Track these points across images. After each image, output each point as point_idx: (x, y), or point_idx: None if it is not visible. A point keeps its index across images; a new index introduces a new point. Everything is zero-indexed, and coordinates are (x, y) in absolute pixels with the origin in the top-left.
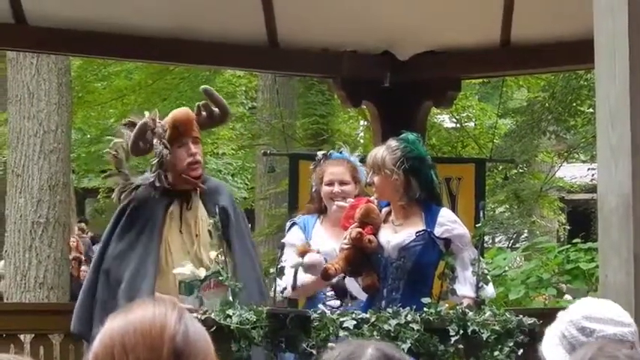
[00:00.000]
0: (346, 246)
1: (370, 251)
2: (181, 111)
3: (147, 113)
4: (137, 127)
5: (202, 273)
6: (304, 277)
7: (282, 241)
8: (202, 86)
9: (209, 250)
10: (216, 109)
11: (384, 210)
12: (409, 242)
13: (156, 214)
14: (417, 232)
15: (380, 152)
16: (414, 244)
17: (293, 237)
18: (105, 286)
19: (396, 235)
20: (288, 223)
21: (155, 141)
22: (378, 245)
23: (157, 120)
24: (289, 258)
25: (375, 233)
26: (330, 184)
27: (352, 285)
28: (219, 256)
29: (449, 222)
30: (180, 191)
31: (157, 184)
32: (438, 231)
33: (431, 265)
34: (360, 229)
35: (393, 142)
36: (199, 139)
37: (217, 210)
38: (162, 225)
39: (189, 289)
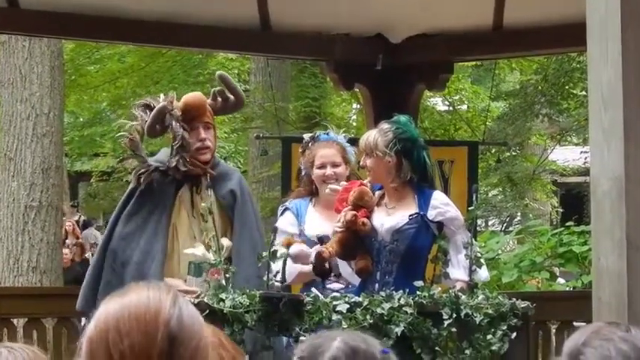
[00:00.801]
0: (340, 229)
1: (364, 234)
2: (193, 96)
3: (162, 95)
4: (155, 109)
5: (214, 257)
6: (293, 267)
7: (275, 225)
8: (218, 72)
9: (209, 245)
10: (231, 96)
11: (377, 193)
12: (403, 225)
13: (166, 197)
14: (410, 215)
15: (372, 135)
16: (408, 227)
17: (285, 222)
18: (110, 266)
19: (389, 218)
20: (281, 208)
21: (174, 124)
22: (371, 228)
23: (175, 102)
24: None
25: (369, 216)
26: (322, 166)
27: (345, 269)
28: (212, 240)
29: (442, 204)
30: (191, 175)
31: (183, 168)
32: (431, 214)
33: (424, 249)
34: (354, 212)
35: (384, 125)
36: (211, 124)
37: (212, 194)
38: (171, 208)
39: (198, 270)
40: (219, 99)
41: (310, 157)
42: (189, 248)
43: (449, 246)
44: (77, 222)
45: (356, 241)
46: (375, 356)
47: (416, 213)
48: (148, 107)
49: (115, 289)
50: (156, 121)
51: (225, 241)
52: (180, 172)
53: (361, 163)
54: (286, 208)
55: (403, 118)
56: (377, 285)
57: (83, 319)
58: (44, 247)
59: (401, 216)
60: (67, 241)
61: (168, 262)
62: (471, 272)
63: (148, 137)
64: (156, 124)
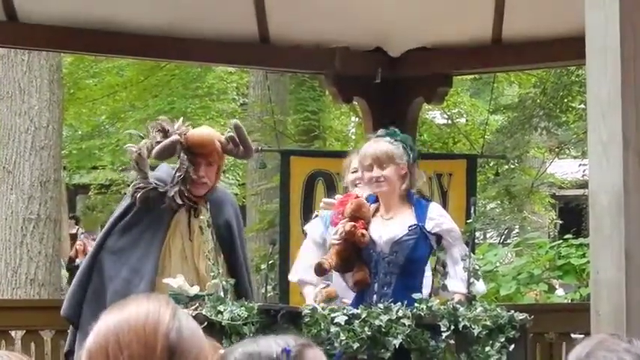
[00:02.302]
0: (337, 241)
1: (363, 246)
2: (202, 134)
3: (180, 121)
4: (170, 140)
5: (193, 291)
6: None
7: (304, 227)
8: (234, 120)
9: (207, 261)
10: (240, 146)
11: (373, 206)
12: (402, 236)
13: (162, 218)
14: (409, 227)
15: (383, 145)
16: (407, 238)
17: (312, 228)
18: (98, 276)
19: (387, 230)
20: (313, 215)
21: (183, 156)
22: (370, 240)
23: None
24: (306, 246)
25: (367, 228)
26: (355, 171)
27: (338, 283)
28: (210, 252)
29: (439, 216)
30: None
31: (179, 202)
32: (428, 225)
33: (422, 260)
34: (352, 223)
35: (385, 137)
36: (215, 163)
37: (212, 210)
38: (166, 229)
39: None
40: (231, 144)
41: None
42: (169, 278)
43: (446, 258)
44: (75, 234)
45: (354, 253)
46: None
47: (415, 224)
48: (163, 130)
49: (100, 299)
50: (167, 150)
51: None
52: (176, 204)
53: (372, 174)
54: (317, 216)
55: (396, 130)
56: (375, 297)
57: (71, 327)
58: (42, 260)
59: (399, 227)
60: (77, 260)
61: (160, 282)
62: (469, 284)
63: (155, 159)
64: (165, 152)
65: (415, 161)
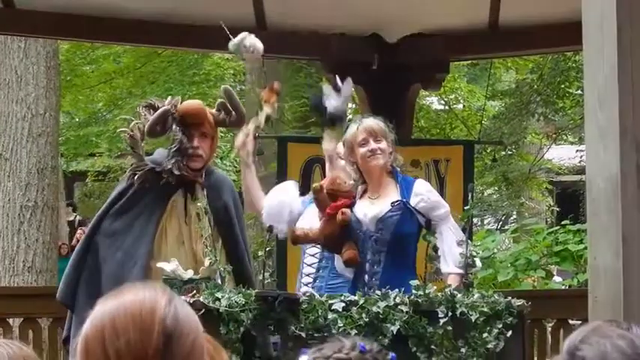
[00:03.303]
0: (321, 217)
1: (344, 224)
2: (192, 104)
3: (169, 98)
4: (159, 111)
5: (187, 275)
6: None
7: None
8: (223, 86)
9: (204, 246)
10: (232, 111)
11: (360, 187)
12: (386, 213)
13: (157, 200)
14: (392, 203)
15: (378, 122)
16: (391, 214)
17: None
18: (93, 260)
19: (372, 208)
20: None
21: (175, 127)
22: (350, 218)
23: (178, 106)
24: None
25: (350, 205)
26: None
27: (340, 265)
28: (208, 239)
29: (425, 192)
30: (185, 181)
31: (177, 172)
32: (414, 201)
33: (411, 236)
34: (320, 183)
35: (369, 117)
36: (209, 134)
37: (210, 196)
38: (162, 213)
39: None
40: (222, 111)
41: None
42: (162, 262)
43: (437, 239)
44: (72, 222)
45: (340, 232)
46: None
47: (398, 200)
48: (153, 107)
49: (95, 283)
50: (158, 121)
51: (207, 263)
52: (174, 175)
53: (369, 147)
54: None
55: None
56: (366, 276)
57: (69, 313)
58: (40, 247)
59: (383, 204)
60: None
61: (153, 264)
62: (467, 270)
63: (148, 137)
64: (157, 125)
65: (395, 142)
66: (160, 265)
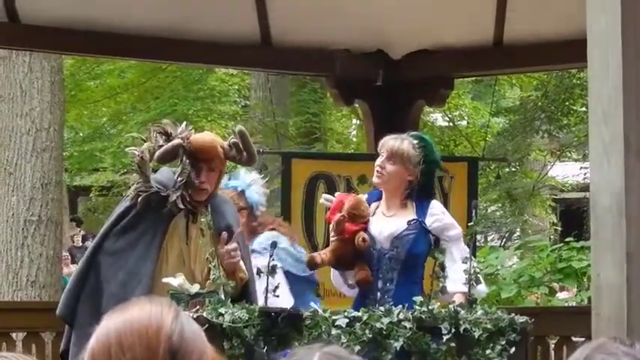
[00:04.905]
0: (333, 238)
1: (362, 249)
2: (205, 141)
3: (183, 125)
4: (172, 144)
5: (194, 289)
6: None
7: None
8: (238, 127)
9: (206, 265)
10: (244, 153)
11: (373, 204)
12: (402, 231)
13: (160, 222)
14: (408, 221)
15: (404, 145)
16: (407, 232)
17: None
18: (95, 278)
19: (387, 226)
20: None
21: (185, 160)
22: (369, 242)
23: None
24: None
25: (366, 228)
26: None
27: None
28: (212, 255)
29: (439, 212)
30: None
31: (181, 206)
32: (429, 221)
33: (422, 255)
34: (343, 214)
35: (414, 140)
36: (217, 168)
37: (212, 215)
38: (164, 234)
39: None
40: (234, 150)
41: None
42: (169, 278)
43: (445, 258)
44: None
45: (352, 252)
46: None
47: (414, 219)
48: (166, 133)
49: (96, 301)
50: (169, 153)
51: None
52: (178, 208)
53: (377, 162)
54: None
55: (429, 139)
56: (378, 294)
57: (66, 326)
58: (43, 262)
59: (399, 223)
60: None
61: (157, 286)
62: (470, 287)
63: (157, 162)
64: (168, 156)
65: (432, 171)
66: (166, 280)
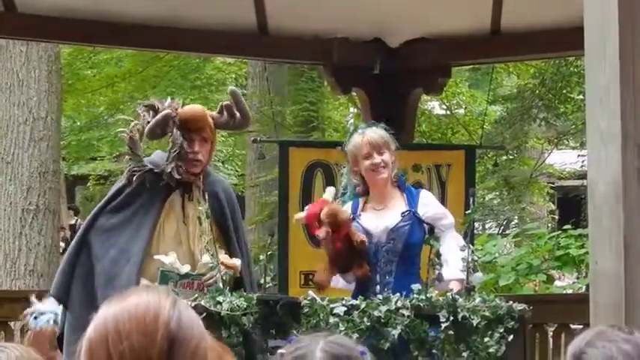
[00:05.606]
0: (328, 251)
1: (361, 249)
2: (193, 108)
3: (169, 99)
4: (161, 114)
5: (185, 269)
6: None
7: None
8: (230, 87)
9: (203, 244)
10: (237, 113)
11: (361, 200)
12: (397, 224)
13: (155, 200)
14: (402, 213)
15: (382, 133)
16: (402, 224)
17: None
18: (87, 256)
19: (382, 220)
20: None
21: (175, 131)
22: (365, 232)
23: (179, 110)
24: None
25: (348, 232)
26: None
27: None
28: (209, 243)
29: (430, 202)
30: (182, 182)
31: (177, 176)
32: (421, 211)
33: (418, 245)
34: (327, 229)
35: (377, 128)
36: (209, 139)
37: (207, 198)
38: (159, 212)
39: (163, 279)
40: (226, 113)
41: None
42: (161, 255)
43: (440, 246)
44: (74, 225)
45: (347, 254)
46: None
47: (407, 210)
48: (153, 109)
49: (88, 279)
50: (159, 125)
51: (206, 259)
52: (174, 179)
53: (373, 160)
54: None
55: (374, 122)
56: (378, 287)
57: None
58: (41, 251)
59: (393, 215)
60: None
61: (152, 263)
62: (468, 275)
63: (148, 139)
64: (157, 128)
65: (397, 149)
66: (157, 257)
